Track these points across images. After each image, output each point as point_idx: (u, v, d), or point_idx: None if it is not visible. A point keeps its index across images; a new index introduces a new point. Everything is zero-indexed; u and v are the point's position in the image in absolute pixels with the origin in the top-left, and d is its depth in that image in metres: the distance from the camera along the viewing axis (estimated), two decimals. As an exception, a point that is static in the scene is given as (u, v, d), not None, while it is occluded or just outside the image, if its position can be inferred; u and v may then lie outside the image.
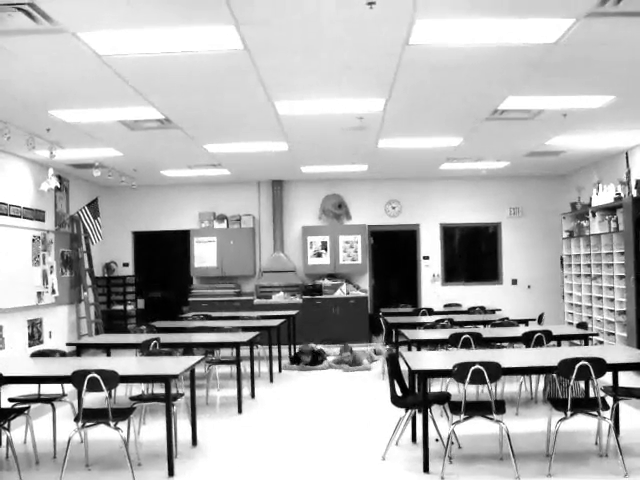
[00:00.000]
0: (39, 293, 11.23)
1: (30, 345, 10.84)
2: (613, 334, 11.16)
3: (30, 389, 6.49)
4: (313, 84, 7.19)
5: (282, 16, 5.21)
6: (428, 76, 6.93)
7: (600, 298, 11.76)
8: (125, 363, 6.58)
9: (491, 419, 5.41)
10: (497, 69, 6.68)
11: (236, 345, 8.11)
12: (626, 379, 6.88)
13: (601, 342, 11.34)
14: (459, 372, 5.35)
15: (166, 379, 5.55)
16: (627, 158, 11.24)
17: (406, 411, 6.12)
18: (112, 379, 5.33)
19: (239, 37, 5.57)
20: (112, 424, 5.37)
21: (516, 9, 5.14)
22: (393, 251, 16.37)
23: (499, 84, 7.28)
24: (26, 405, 6.12)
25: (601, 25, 5.47)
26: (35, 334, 11.17)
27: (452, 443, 5.85)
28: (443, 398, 6.03)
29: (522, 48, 6.03)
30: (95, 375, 5.26)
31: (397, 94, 7.58)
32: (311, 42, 5.82)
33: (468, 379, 5.30)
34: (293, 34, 5.62)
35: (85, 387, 5.29)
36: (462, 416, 5.42)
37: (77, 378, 5.32)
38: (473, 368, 5.29)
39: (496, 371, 5.34)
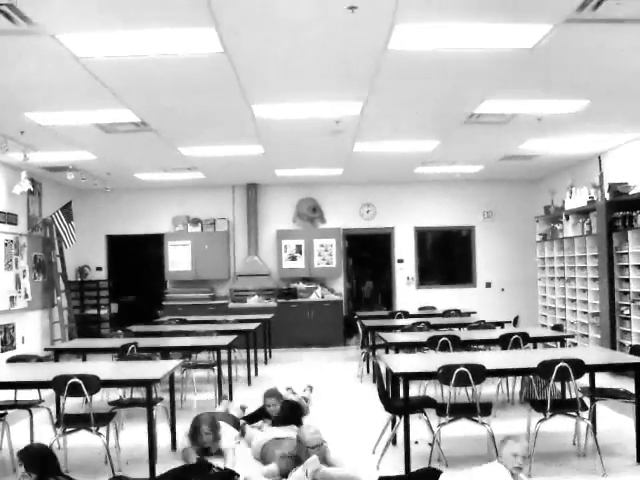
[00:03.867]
0: (12, 298, 11.08)
1: (3, 350, 10.69)
2: (587, 336, 11.29)
3: (6, 395, 6.39)
4: (291, 88, 7.20)
5: (263, 19, 5.21)
6: (406, 80, 6.97)
7: (574, 300, 11.91)
8: (104, 368, 6.51)
9: (476, 421, 5.45)
10: (475, 73, 6.74)
11: (217, 349, 8.10)
12: (600, 380, 6.96)
13: (575, 344, 11.46)
14: (444, 374, 5.38)
15: (148, 383, 5.52)
16: (600, 162, 11.39)
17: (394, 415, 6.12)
18: (94, 384, 5.29)
19: (219, 40, 5.56)
20: (94, 429, 5.33)
21: (494, 14, 5.20)
22: (368, 254, 16.44)
23: (476, 88, 7.35)
24: (2, 411, 6.05)
25: (578, 31, 5.56)
26: (8, 339, 11.02)
27: (431, 445, 5.83)
28: (428, 403, 6.01)
29: (499, 53, 6.09)
30: (77, 380, 5.22)
31: (374, 98, 7.61)
32: (291, 46, 5.83)
33: (453, 381, 5.34)
34: (273, 37, 5.62)
35: (66, 392, 5.24)
36: (447, 418, 5.45)
37: (58, 383, 5.27)
38: (458, 370, 5.33)
39: (480, 373, 5.39)
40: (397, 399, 6.03)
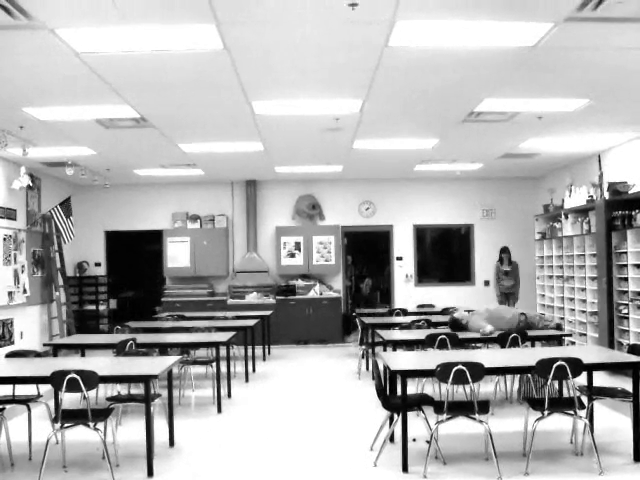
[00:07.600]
0: (10, 293, 11.08)
1: (1, 345, 10.68)
2: (585, 334, 11.30)
3: (4, 390, 6.39)
4: (291, 84, 7.18)
5: (263, 16, 5.19)
6: (406, 77, 6.96)
7: (572, 299, 11.90)
8: (102, 363, 6.51)
9: (474, 419, 5.45)
10: (475, 71, 6.73)
11: (216, 345, 8.09)
12: (598, 379, 6.98)
13: (573, 343, 11.47)
14: (442, 372, 5.38)
15: (146, 379, 5.52)
16: (599, 161, 11.38)
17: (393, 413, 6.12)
18: (92, 379, 5.29)
19: (219, 37, 5.56)
20: (92, 425, 5.32)
21: (496, 12, 5.18)
22: (367, 252, 16.44)
23: (477, 86, 7.33)
24: (1, 406, 6.04)
25: (579, 30, 5.54)
26: (6, 334, 11.02)
27: (428, 442, 5.83)
28: (426, 400, 6.01)
29: (501, 51, 6.08)
30: (75, 375, 5.21)
31: (374, 95, 7.61)
32: (291, 43, 5.82)
33: (451, 379, 5.34)
34: (273, 34, 5.61)
35: (64, 388, 5.24)
36: (445, 416, 5.45)
37: (56, 378, 5.26)
38: (456, 368, 5.32)
39: (479, 371, 5.38)
40: (395, 396, 6.03)
